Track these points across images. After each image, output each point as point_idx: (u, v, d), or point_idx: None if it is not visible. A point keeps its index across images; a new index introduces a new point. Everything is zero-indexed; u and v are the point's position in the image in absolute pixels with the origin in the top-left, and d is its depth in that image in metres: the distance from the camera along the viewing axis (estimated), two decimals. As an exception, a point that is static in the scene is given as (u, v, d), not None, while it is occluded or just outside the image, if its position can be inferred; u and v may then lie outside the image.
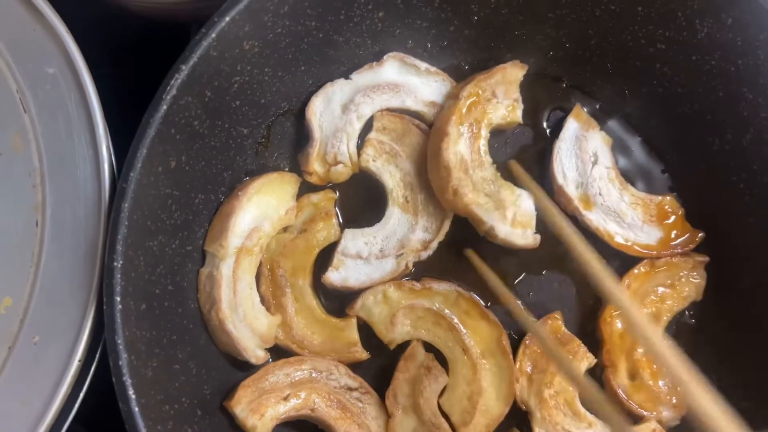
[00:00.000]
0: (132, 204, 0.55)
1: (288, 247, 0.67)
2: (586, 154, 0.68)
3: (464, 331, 0.65)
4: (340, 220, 0.69)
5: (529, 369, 0.65)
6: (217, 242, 0.62)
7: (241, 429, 0.62)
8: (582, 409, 0.63)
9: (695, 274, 0.67)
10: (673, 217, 0.68)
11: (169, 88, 0.56)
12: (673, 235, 0.68)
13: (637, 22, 0.66)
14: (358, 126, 0.68)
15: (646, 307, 0.66)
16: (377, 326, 0.66)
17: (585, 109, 0.71)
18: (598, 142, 0.68)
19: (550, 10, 0.68)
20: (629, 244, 0.67)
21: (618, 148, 0.71)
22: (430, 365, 0.65)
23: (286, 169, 0.70)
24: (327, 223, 0.68)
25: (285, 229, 0.67)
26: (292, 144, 0.71)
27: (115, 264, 0.54)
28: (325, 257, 0.68)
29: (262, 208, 0.64)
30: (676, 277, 0.67)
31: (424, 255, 0.67)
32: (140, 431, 0.52)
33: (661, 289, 0.67)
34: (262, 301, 0.65)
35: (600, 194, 0.67)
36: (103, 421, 0.71)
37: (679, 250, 0.67)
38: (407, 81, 0.69)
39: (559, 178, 0.68)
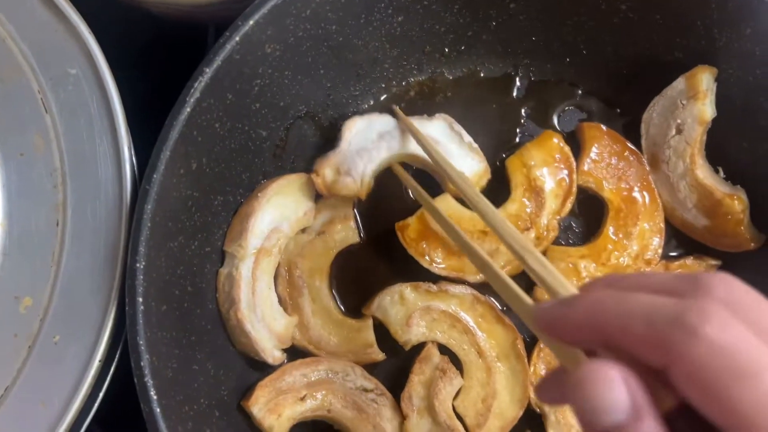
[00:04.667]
0: (154, 206, 0.55)
1: (306, 248, 0.67)
2: (674, 121, 0.67)
3: (480, 334, 0.66)
4: (359, 223, 0.70)
5: (543, 372, 0.65)
6: (237, 243, 0.62)
7: (258, 429, 0.62)
8: None
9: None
10: (728, 217, 0.65)
11: (192, 90, 0.56)
12: (719, 233, 0.67)
13: (655, 30, 0.66)
14: (384, 155, 0.67)
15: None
16: (393, 327, 0.66)
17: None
18: (691, 115, 0.66)
19: (568, 16, 0.69)
20: (675, 213, 0.68)
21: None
22: (445, 367, 0.65)
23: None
24: (345, 225, 0.68)
25: (303, 231, 0.68)
26: (309, 147, 0.71)
27: (138, 265, 0.54)
28: (342, 259, 0.69)
29: (280, 210, 0.65)
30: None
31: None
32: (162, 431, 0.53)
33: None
34: (279, 301, 0.66)
35: (667, 163, 0.67)
36: (119, 422, 0.71)
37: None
38: (447, 146, 0.68)
39: (643, 129, 0.69)
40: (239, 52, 0.58)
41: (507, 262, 0.67)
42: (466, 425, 0.65)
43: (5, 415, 0.56)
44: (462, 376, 0.66)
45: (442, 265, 0.67)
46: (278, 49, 0.61)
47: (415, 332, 0.66)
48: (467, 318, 0.66)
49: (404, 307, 0.66)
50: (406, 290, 0.67)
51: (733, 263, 0.67)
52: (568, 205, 0.68)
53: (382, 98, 0.73)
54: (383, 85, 0.72)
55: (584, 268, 0.67)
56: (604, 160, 0.69)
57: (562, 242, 0.70)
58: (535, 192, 0.68)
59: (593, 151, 0.69)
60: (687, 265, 0.67)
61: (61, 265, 0.58)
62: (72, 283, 0.58)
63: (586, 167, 0.69)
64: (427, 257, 0.67)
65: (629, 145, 0.70)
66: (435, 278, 0.67)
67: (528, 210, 0.68)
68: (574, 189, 0.69)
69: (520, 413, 0.65)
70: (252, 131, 0.65)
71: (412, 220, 0.68)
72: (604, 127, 0.70)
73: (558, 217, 0.68)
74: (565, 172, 0.69)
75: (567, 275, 0.66)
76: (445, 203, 0.67)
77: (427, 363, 0.66)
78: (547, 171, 0.68)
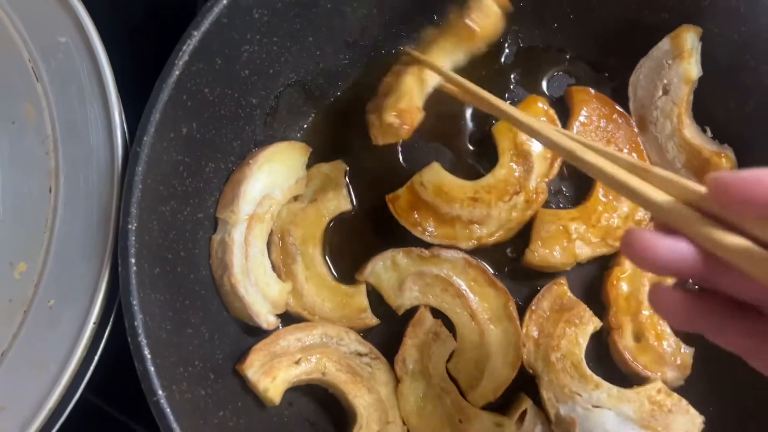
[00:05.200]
0: (145, 168, 0.56)
1: (298, 216, 0.68)
2: (661, 82, 0.67)
3: (472, 297, 0.66)
4: (351, 191, 0.70)
5: (535, 334, 0.66)
6: (229, 209, 0.63)
7: (253, 392, 0.63)
8: (588, 372, 0.64)
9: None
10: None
11: (181, 53, 0.57)
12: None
13: (641, -9, 0.67)
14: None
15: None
16: (386, 292, 0.67)
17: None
18: (677, 75, 0.66)
19: (555, -19, 0.69)
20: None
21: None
22: (438, 331, 0.66)
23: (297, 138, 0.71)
24: (337, 193, 0.69)
25: (295, 198, 0.68)
26: (299, 115, 0.72)
27: (130, 226, 0.55)
28: (334, 226, 0.69)
29: (272, 177, 0.65)
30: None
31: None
32: (156, 391, 0.53)
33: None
34: (273, 268, 0.66)
35: (654, 124, 0.68)
36: (114, 393, 0.72)
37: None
38: None
39: (630, 91, 0.69)
40: (227, 16, 0.58)
41: (498, 228, 0.67)
42: (460, 387, 0.65)
43: (2, 379, 0.57)
44: (455, 339, 0.66)
45: (435, 234, 0.68)
46: (266, 14, 0.62)
47: (408, 297, 0.67)
48: (459, 282, 0.67)
49: (397, 273, 0.67)
50: (399, 255, 0.67)
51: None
52: (556, 167, 0.69)
53: (373, 66, 0.73)
54: (373, 54, 0.73)
55: (575, 230, 0.67)
56: (593, 123, 0.70)
57: (552, 205, 0.71)
58: (523, 156, 0.68)
59: (582, 115, 0.70)
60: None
61: (55, 231, 0.59)
62: (66, 247, 0.58)
63: (575, 131, 0.69)
64: (419, 227, 0.67)
65: (617, 108, 0.71)
66: (427, 245, 0.68)
67: (516, 174, 0.68)
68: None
69: (513, 375, 0.65)
70: (242, 98, 0.65)
71: (402, 192, 0.68)
72: (592, 91, 0.71)
73: (546, 180, 0.69)
74: None
75: (558, 238, 0.67)
76: (435, 173, 0.68)
77: (420, 326, 0.66)
78: None
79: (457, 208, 0.67)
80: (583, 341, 0.65)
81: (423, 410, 0.65)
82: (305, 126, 0.72)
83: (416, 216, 0.68)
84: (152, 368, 0.53)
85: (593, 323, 0.66)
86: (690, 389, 0.65)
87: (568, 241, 0.67)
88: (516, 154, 0.69)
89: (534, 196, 0.68)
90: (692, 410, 0.63)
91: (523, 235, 0.69)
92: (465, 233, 0.67)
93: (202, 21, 0.57)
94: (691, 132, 0.67)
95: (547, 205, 0.70)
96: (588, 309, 0.66)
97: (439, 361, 0.66)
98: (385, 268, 0.67)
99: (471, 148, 0.72)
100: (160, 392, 0.53)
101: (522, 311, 0.67)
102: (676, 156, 0.67)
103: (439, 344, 0.66)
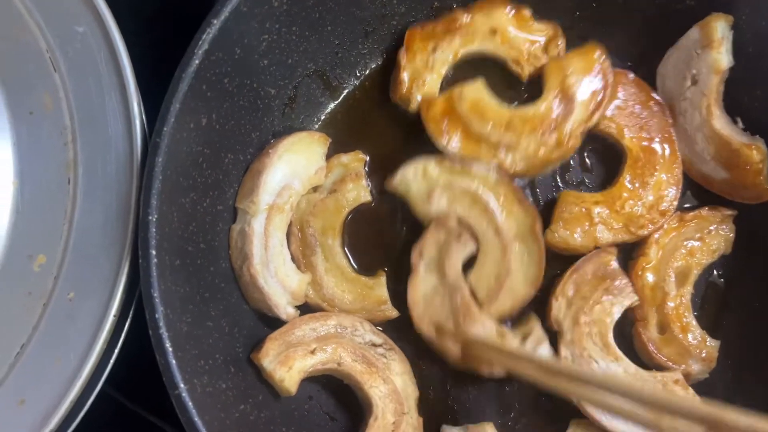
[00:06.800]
0: (165, 159, 0.55)
1: (318, 206, 0.67)
2: (690, 72, 0.66)
3: (499, 213, 0.66)
4: (370, 182, 0.70)
5: (570, 293, 0.65)
6: (249, 199, 0.62)
7: (271, 384, 0.62)
8: (612, 342, 0.64)
9: (724, 227, 0.67)
10: (747, 168, 0.64)
11: (201, 42, 0.56)
12: (737, 184, 0.65)
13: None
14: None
15: (676, 261, 0.66)
16: (414, 200, 0.66)
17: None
18: (706, 65, 0.64)
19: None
20: (693, 166, 0.67)
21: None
22: (460, 232, 0.65)
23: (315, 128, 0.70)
24: (356, 184, 0.68)
25: (315, 189, 0.67)
26: (317, 106, 0.71)
27: (150, 218, 0.54)
28: (354, 217, 0.68)
29: (292, 167, 0.64)
30: (705, 230, 0.67)
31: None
32: (178, 384, 0.53)
33: (690, 243, 0.66)
34: (293, 259, 0.66)
35: (683, 115, 0.66)
36: (134, 386, 0.72)
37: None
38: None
39: (658, 81, 0.68)
40: (246, 4, 0.58)
41: (522, 159, 0.67)
42: (477, 299, 0.65)
43: (22, 372, 0.56)
44: (477, 253, 0.66)
45: (458, 147, 0.67)
46: (285, 3, 0.61)
47: (435, 206, 0.66)
48: (489, 197, 0.66)
49: (426, 182, 0.66)
50: (431, 164, 0.66)
51: (751, 215, 0.67)
52: (595, 119, 0.67)
53: (392, 57, 0.72)
54: (393, 44, 0.72)
55: (597, 214, 0.66)
56: (629, 108, 0.68)
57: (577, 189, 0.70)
58: (567, 98, 0.67)
59: (618, 98, 0.68)
60: (702, 216, 0.67)
61: (74, 222, 0.58)
62: (85, 239, 0.58)
63: (609, 113, 0.68)
64: (445, 137, 0.67)
65: (654, 95, 0.69)
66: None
67: (555, 114, 0.67)
68: (605, 104, 0.67)
69: (533, 293, 0.65)
70: (260, 89, 0.65)
71: (438, 99, 0.67)
72: (631, 75, 0.69)
73: (582, 128, 0.67)
74: (601, 85, 0.67)
75: (580, 220, 0.66)
76: (477, 90, 0.67)
77: (444, 225, 0.66)
78: (582, 80, 0.67)
79: (489, 128, 0.66)
80: (617, 312, 0.64)
81: (430, 302, 0.65)
82: (323, 117, 0.72)
83: (445, 126, 0.67)
84: (174, 361, 0.53)
85: (630, 299, 0.65)
86: (715, 383, 0.64)
87: (590, 224, 0.66)
88: (561, 95, 0.67)
89: (567, 140, 0.66)
90: None
91: (545, 215, 0.68)
92: (488, 154, 0.67)
93: (221, 9, 0.56)
94: (720, 123, 0.65)
95: (571, 188, 0.70)
96: (630, 284, 0.65)
97: (456, 261, 0.65)
98: (415, 177, 0.66)
99: (519, 78, 0.71)
100: (182, 385, 0.53)
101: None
102: (705, 148, 0.66)
103: (459, 245, 0.65)
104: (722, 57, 0.64)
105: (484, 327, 0.63)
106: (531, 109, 0.67)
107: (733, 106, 0.66)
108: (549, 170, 0.70)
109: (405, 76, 0.68)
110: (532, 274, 0.65)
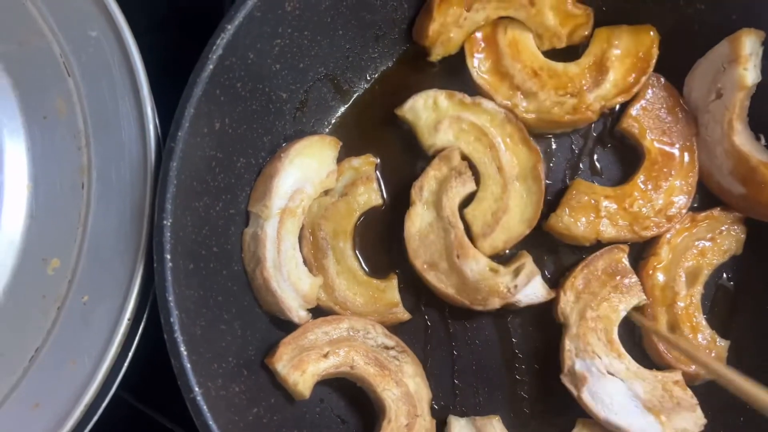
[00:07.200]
0: (180, 164, 0.55)
1: (329, 210, 0.67)
2: (715, 85, 0.65)
3: (504, 151, 0.67)
4: (381, 185, 0.70)
5: (580, 287, 0.66)
6: (261, 203, 0.62)
7: (284, 388, 0.63)
8: (617, 339, 0.64)
9: (736, 227, 0.67)
10: (764, 185, 0.63)
11: (215, 47, 0.56)
12: (753, 201, 0.65)
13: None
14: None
15: (687, 261, 0.66)
16: (421, 129, 0.68)
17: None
18: (731, 80, 0.64)
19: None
20: (713, 177, 0.67)
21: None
22: (462, 169, 0.66)
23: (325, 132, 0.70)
24: (368, 187, 0.68)
25: (326, 193, 0.68)
26: (328, 110, 0.71)
27: (165, 222, 0.54)
28: (365, 221, 0.69)
29: (303, 171, 0.65)
30: (717, 230, 0.67)
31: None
32: (193, 387, 0.53)
33: (701, 243, 0.67)
34: (304, 262, 0.66)
35: (705, 127, 0.66)
36: (148, 391, 0.72)
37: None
38: None
39: (685, 91, 0.68)
40: (260, 9, 0.58)
41: (535, 110, 0.68)
42: (472, 233, 0.66)
43: (36, 376, 0.57)
44: (477, 187, 0.67)
45: (482, 72, 0.68)
46: (298, 7, 0.61)
47: (441, 138, 0.67)
48: (495, 134, 0.67)
49: (435, 113, 0.67)
50: (441, 96, 0.67)
51: (766, 231, 0.67)
52: (619, 100, 0.67)
53: (403, 60, 0.72)
54: (404, 48, 0.72)
55: (605, 208, 0.66)
56: (654, 110, 0.68)
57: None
58: (601, 70, 0.67)
59: (646, 98, 0.68)
60: (714, 216, 0.67)
61: (88, 226, 0.58)
62: (99, 243, 0.58)
63: (634, 112, 0.68)
64: (476, 58, 0.68)
65: (682, 102, 0.68)
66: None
67: (583, 81, 0.68)
68: (635, 90, 0.67)
69: (527, 232, 0.67)
70: (272, 93, 0.65)
71: (488, 24, 0.68)
72: (662, 79, 0.69)
73: (602, 105, 0.67)
74: (638, 69, 0.68)
75: (586, 210, 0.67)
76: (522, 31, 0.69)
77: (446, 162, 0.67)
78: (623, 59, 0.68)
79: (517, 69, 0.67)
80: (624, 310, 0.65)
81: (425, 237, 0.66)
82: (333, 120, 0.72)
83: (481, 47, 0.68)
84: (188, 365, 0.53)
85: (639, 297, 0.65)
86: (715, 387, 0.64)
87: (596, 216, 0.67)
88: (596, 64, 0.68)
89: (584, 108, 0.67)
90: (699, 411, 0.62)
91: (551, 203, 0.69)
92: (506, 92, 0.68)
93: (235, 15, 0.56)
94: (741, 139, 0.64)
95: (584, 178, 0.70)
96: (639, 283, 0.66)
97: (455, 197, 0.66)
98: (425, 106, 0.67)
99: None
100: (196, 389, 0.53)
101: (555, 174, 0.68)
102: (724, 162, 0.65)
103: (459, 182, 0.66)
104: (748, 73, 0.63)
105: (477, 263, 0.64)
106: (562, 67, 0.68)
107: (759, 122, 0.65)
108: (555, 132, 0.70)
109: (433, 27, 0.68)
110: (529, 213, 0.66)
